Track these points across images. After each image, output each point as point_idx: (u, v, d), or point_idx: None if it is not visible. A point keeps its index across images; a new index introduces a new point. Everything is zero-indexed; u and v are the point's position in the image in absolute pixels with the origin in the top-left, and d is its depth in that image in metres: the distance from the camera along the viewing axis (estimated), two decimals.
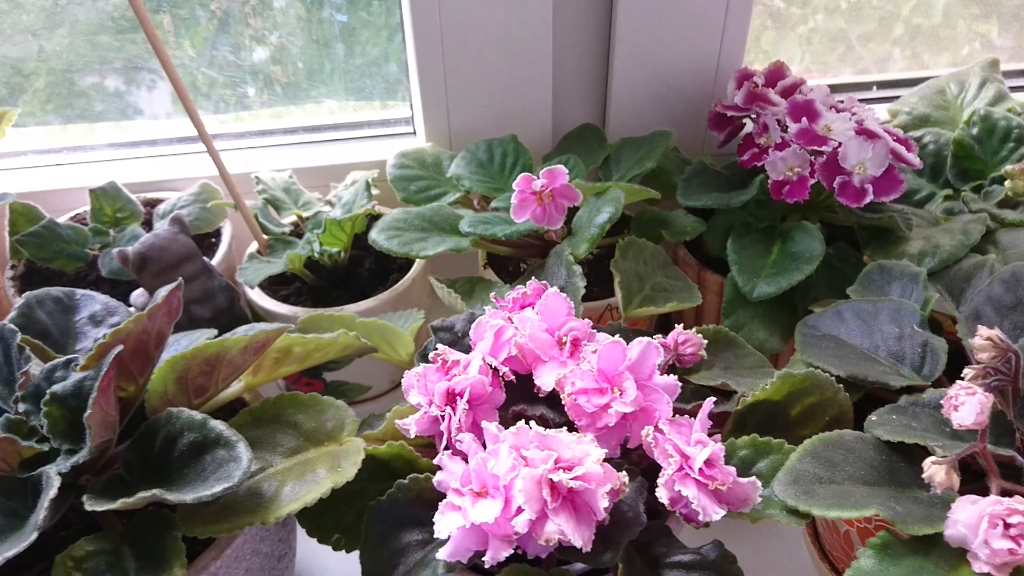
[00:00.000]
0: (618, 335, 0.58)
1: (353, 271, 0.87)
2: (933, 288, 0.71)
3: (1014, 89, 1.01)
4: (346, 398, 0.68)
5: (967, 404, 0.49)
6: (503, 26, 0.86)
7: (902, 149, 0.75)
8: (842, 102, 0.85)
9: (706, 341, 0.61)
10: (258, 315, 0.82)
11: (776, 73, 0.86)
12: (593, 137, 0.90)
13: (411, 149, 0.91)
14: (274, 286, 0.86)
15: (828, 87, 0.84)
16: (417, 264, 0.86)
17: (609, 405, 0.54)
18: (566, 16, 0.88)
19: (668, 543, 0.54)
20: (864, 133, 0.75)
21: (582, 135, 0.91)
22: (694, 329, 0.68)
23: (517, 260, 0.87)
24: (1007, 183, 0.81)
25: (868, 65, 1.16)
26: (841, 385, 0.61)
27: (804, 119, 0.79)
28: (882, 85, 1.08)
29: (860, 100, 1.09)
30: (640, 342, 0.55)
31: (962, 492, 0.54)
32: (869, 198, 0.75)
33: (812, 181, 0.77)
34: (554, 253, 0.74)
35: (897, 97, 1.00)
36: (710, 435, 0.58)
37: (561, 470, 0.49)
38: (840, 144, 0.76)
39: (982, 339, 0.54)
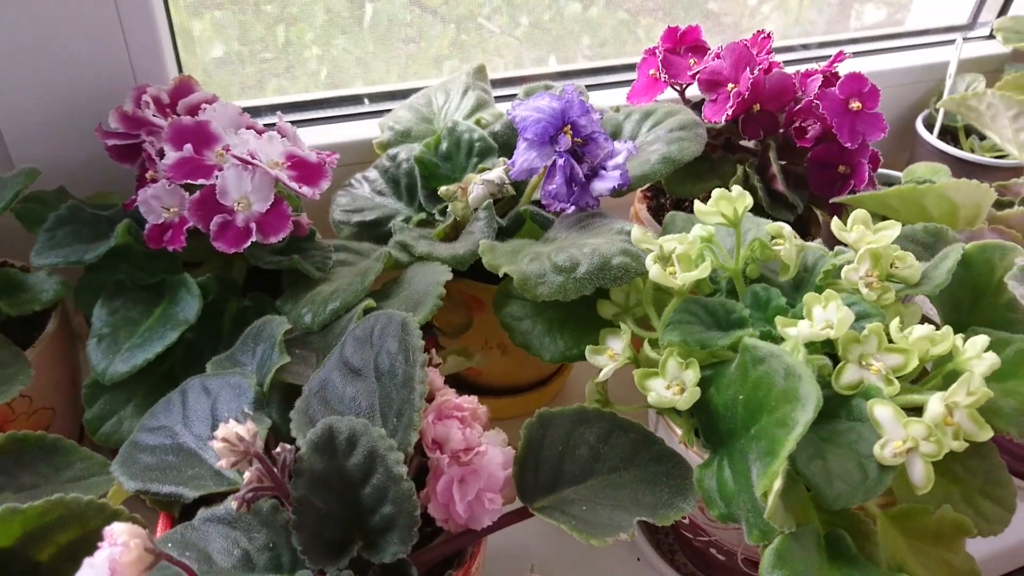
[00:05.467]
0: None
1: None
2: (306, 348, 0.58)
3: (504, 98, 0.94)
4: None
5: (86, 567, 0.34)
6: None
7: (286, 177, 0.62)
8: (272, 125, 0.71)
9: None
10: None
11: (182, 89, 0.71)
12: None
13: None
14: None
15: (242, 106, 0.70)
16: None
17: None
18: None
19: None
20: (241, 162, 0.62)
21: None
22: None
23: None
24: (450, 206, 0.72)
25: None
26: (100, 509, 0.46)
27: (190, 146, 0.64)
28: (377, 97, 0.97)
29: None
30: None
31: None
32: (252, 239, 0.61)
33: (190, 224, 0.62)
34: None
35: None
36: None
37: None
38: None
39: (219, 441, 0.41)
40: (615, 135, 0.79)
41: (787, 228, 0.60)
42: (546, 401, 0.87)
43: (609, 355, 0.58)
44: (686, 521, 0.65)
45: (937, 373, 0.54)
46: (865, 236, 0.57)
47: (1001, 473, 0.55)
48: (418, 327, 0.49)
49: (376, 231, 0.78)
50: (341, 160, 0.90)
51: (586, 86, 1.11)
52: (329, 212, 0.80)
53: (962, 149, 1.06)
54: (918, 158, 1.11)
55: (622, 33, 1.18)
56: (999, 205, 0.77)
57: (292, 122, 0.94)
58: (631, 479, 0.54)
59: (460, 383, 0.86)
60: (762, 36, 0.80)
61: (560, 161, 0.65)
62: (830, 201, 0.76)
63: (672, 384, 0.54)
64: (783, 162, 0.81)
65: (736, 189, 0.58)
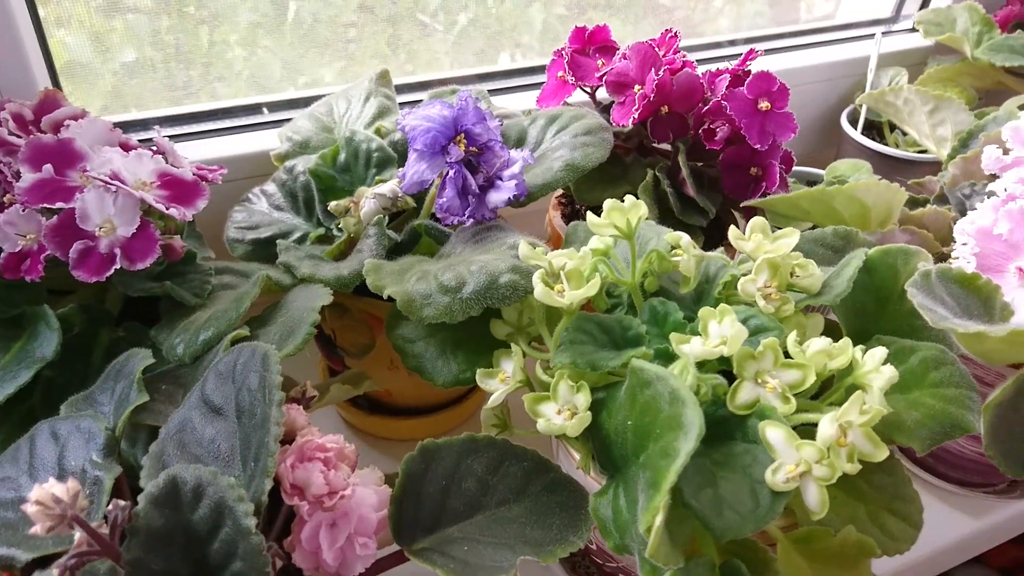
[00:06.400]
0: None
1: None
2: (175, 384, 0.54)
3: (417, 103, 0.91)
4: None
5: None
6: None
7: (152, 198, 0.58)
8: (150, 140, 0.67)
9: None
10: None
11: (47, 104, 0.66)
12: None
13: None
14: None
15: (136, 119, 0.66)
16: None
17: None
18: None
19: None
20: (101, 183, 0.57)
21: None
22: None
23: None
24: (342, 222, 0.68)
25: None
26: None
27: (50, 166, 0.59)
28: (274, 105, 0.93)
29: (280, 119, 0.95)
30: None
31: None
32: (116, 267, 0.57)
33: (49, 252, 0.57)
34: None
35: None
36: None
37: None
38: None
39: (32, 504, 0.37)
40: (520, 141, 0.76)
41: (685, 238, 0.57)
42: (463, 419, 0.84)
43: (501, 378, 0.55)
44: (594, 547, 0.62)
45: (839, 387, 0.52)
46: (763, 245, 0.55)
47: (907, 488, 0.53)
48: (278, 361, 0.46)
49: (272, 249, 0.74)
50: (241, 173, 0.86)
51: (513, 87, 1.08)
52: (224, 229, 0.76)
53: (887, 144, 1.05)
54: (844, 154, 1.09)
55: (559, 30, 1.15)
56: (913, 204, 0.75)
57: (192, 134, 0.90)
58: (521, 512, 0.50)
59: (372, 404, 0.82)
60: (669, 35, 0.77)
61: (451, 172, 0.62)
62: (742, 204, 0.74)
63: (563, 409, 0.51)
64: (699, 164, 0.78)
65: (629, 199, 0.55)
